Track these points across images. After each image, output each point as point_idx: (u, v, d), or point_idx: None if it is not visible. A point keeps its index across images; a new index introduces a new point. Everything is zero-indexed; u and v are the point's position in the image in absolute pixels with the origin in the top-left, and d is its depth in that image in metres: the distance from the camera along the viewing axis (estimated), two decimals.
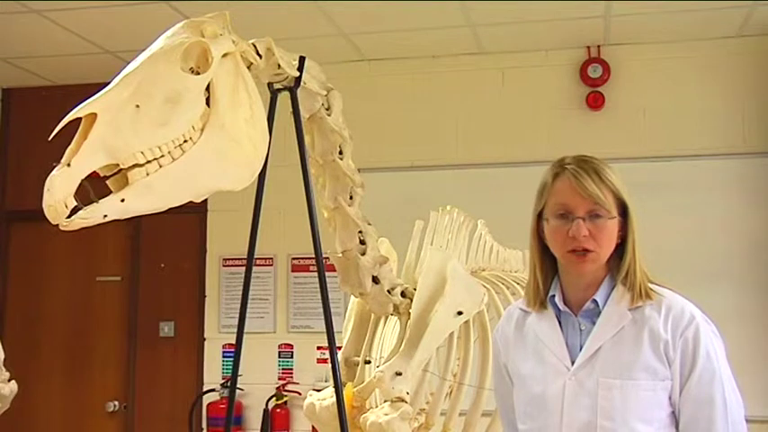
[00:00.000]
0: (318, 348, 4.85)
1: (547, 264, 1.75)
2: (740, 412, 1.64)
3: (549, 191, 1.70)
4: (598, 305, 1.69)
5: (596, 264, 1.67)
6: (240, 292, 2.20)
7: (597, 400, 1.62)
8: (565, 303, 1.72)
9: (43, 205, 1.41)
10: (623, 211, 1.68)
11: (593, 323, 1.68)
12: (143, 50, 1.61)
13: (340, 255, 2.26)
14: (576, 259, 1.66)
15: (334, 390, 2.21)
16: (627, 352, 1.64)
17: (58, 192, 1.40)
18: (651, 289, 1.68)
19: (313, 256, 2.14)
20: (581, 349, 1.68)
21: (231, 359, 4.84)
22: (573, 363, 1.68)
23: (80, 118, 1.46)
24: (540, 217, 1.73)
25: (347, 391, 2.31)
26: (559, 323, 1.73)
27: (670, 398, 1.63)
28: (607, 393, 1.62)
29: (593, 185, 1.64)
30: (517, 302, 1.88)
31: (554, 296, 1.73)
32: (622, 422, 1.60)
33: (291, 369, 4.95)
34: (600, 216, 1.64)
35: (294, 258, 5.00)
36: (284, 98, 2.11)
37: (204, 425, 4.94)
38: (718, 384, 1.61)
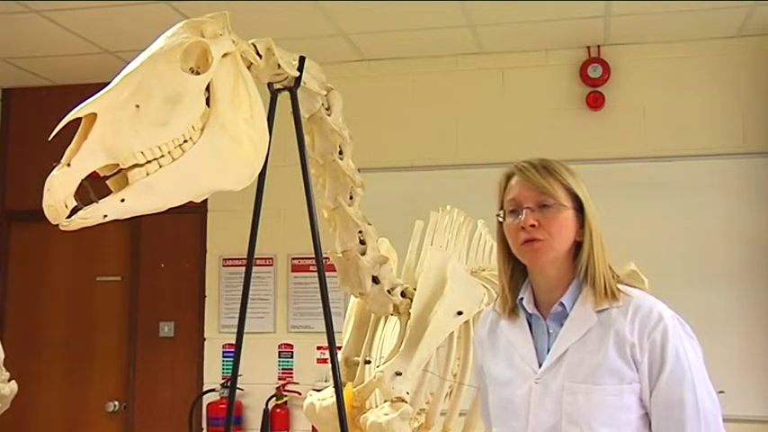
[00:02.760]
0: (318, 348, 4.85)
1: (516, 269, 1.74)
2: (715, 414, 1.60)
3: (503, 192, 1.72)
4: (566, 308, 1.67)
5: (549, 254, 1.65)
6: (240, 292, 2.20)
7: (562, 404, 1.60)
8: (536, 307, 1.72)
9: (43, 205, 1.41)
10: (580, 207, 1.67)
11: (562, 326, 1.67)
12: (143, 50, 1.61)
13: (340, 255, 2.26)
14: (526, 249, 1.65)
15: (334, 390, 2.21)
16: (592, 355, 1.61)
17: (58, 192, 1.40)
18: (619, 290, 1.66)
19: (313, 256, 2.14)
20: (548, 353, 1.67)
21: (231, 359, 4.84)
22: (540, 366, 1.66)
23: (80, 118, 1.46)
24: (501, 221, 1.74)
25: (347, 391, 2.31)
26: (530, 326, 1.72)
27: (641, 400, 1.60)
28: (572, 398, 1.60)
29: (538, 177, 1.65)
30: (492, 305, 1.87)
31: (522, 299, 1.72)
32: (587, 427, 1.58)
33: (291, 369, 4.95)
34: (548, 206, 1.64)
35: (294, 258, 4.99)
36: (284, 98, 2.11)
37: (204, 425, 4.94)
38: (689, 386, 1.58)
